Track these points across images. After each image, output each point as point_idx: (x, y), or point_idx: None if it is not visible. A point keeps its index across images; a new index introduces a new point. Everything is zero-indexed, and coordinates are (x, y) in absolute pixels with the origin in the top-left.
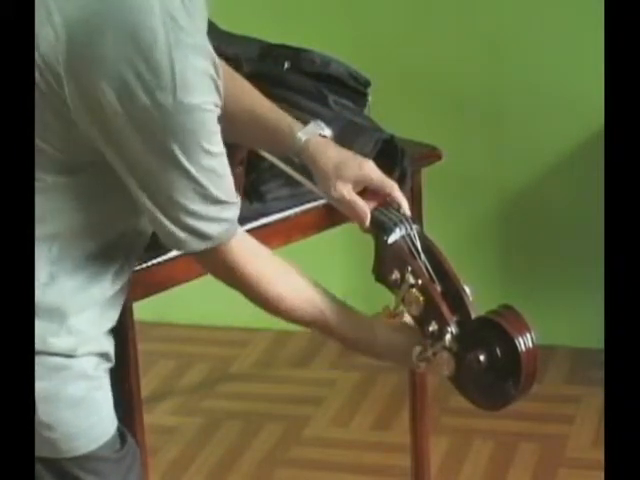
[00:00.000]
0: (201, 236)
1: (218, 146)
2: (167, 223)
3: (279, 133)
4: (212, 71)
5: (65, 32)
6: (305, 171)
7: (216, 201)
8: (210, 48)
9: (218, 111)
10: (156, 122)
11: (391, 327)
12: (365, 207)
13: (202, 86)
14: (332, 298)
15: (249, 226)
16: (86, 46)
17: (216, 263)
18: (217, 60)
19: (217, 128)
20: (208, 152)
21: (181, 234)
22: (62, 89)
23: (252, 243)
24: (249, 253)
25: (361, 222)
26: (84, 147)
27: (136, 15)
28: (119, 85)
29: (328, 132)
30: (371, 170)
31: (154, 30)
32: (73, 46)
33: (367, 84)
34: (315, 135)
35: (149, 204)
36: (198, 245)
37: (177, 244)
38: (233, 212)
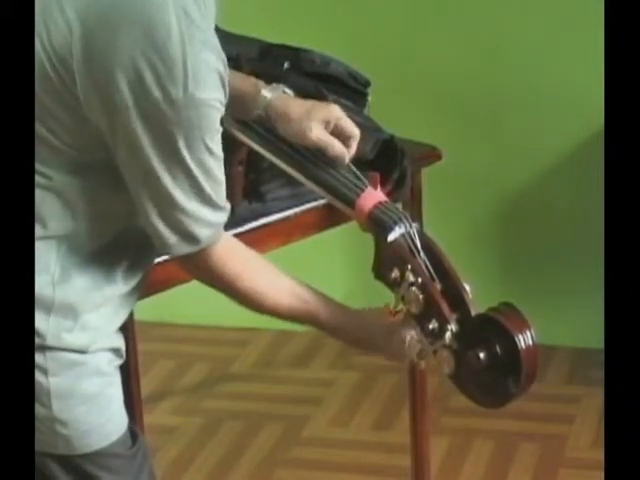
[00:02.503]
0: (190, 239)
1: (218, 147)
2: (159, 224)
3: (244, 95)
4: (221, 68)
5: (79, 26)
6: (302, 166)
7: (210, 203)
8: (219, 45)
9: (222, 110)
10: (165, 115)
11: (380, 315)
12: (342, 147)
13: (212, 82)
14: (317, 291)
15: (249, 226)
16: (100, 39)
17: (200, 266)
18: (225, 58)
19: (220, 128)
20: (210, 150)
21: (171, 236)
22: (74, 83)
23: (235, 245)
24: (232, 256)
25: (340, 161)
26: (95, 143)
27: (150, 9)
28: (132, 77)
29: (290, 92)
30: (339, 112)
31: (168, 24)
32: (87, 40)
33: (367, 84)
34: (279, 92)
35: (147, 202)
36: (186, 248)
37: (166, 247)
38: (223, 217)
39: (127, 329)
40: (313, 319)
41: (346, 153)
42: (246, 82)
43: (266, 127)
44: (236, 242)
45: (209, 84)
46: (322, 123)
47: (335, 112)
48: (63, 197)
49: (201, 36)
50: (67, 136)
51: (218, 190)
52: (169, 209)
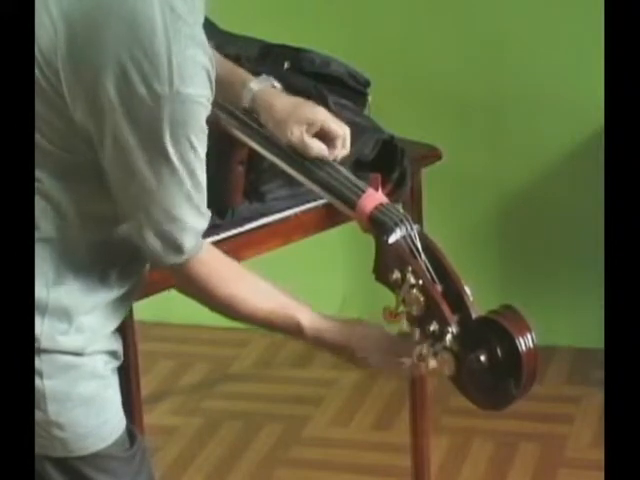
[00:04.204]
0: (176, 249)
1: (203, 147)
2: (146, 231)
3: (232, 85)
4: (208, 65)
5: (64, 24)
6: (303, 167)
7: (196, 208)
8: (207, 44)
9: (209, 107)
10: (150, 112)
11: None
12: (322, 146)
13: (198, 78)
14: (296, 298)
15: (249, 226)
16: (85, 37)
17: (184, 276)
18: (211, 53)
19: (205, 128)
20: (194, 149)
21: (157, 246)
22: (60, 83)
23: (214, 252)
24: (213, 263)
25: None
26: (82, 145)
27: (135, 5)
28: (117, 74)
29: (278, 86)
30: (324, 114)
31: (153, 20)
32: (72, 38)
33: (367, 84)
34: (267, 85)
35: (132, 206)
36: (172, 259)
37: (152, 256)
38: (205, 224)
39: (127, 329)
40: (292, 324)
41: (325, 151)
42: (235, 72)
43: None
44: (214, 249)
45: (195, 80)
46: (304, 125)
47: (319, 114)
48: (53, 200)
49: (187, 31)
50: (56, 138)
51: (201, 194)
52: (155, 213)
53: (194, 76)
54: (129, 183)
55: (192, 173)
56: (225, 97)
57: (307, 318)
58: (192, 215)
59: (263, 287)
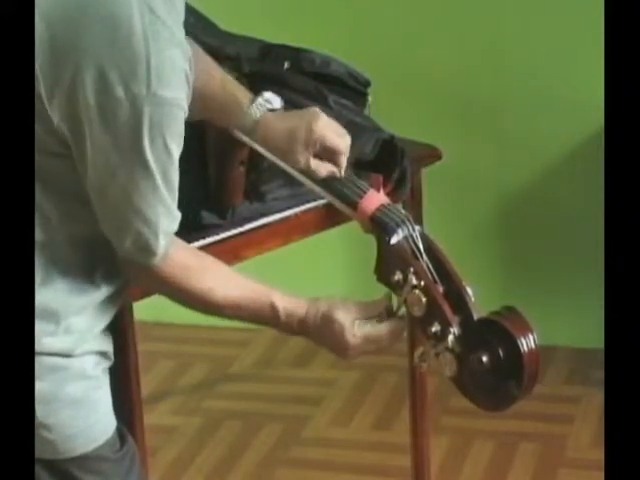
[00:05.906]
0: (148, 251)
1: (177, 150)
2: (121, 234)
3: (228, 110)
4: (186, 67)
5: (44, 24)
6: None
7: (168, 211)
8: (187, 45)
9: (186, 109)
10: (127, 113)
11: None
12: (329, 167)
13: (176, 81)
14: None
15: (249, 226)
16: (65, 38)
17: (150, 274)
18: (190, 54)
19: (182, 132)
20: (168, 150)
21: (130, 248)
22: (39, 84)
23: (180, 250)
24: (178, 261)
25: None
26: (59, 147)
27: (113, 6)
28: (96, 74)
29: (277, 103)
30: (322, 129)
31: (131, 20)
32: (51, 39)
33: (367, 84)
34: (264, 112)
35: (108, 210)
36: (143, 261)
37: (124, 256)
38: (175, 226)
39: (127, 329)
40: (266, 305)
41: (336, 172)
42: (229, 97)
43: None
44: (178, 243)
45: (173, 83)
46: (305, 148)
47: (316, 133)
48: (37, 202)
49: (166, 33)
50: (35, 141)
51: (173, 196)
52: (129, 216)
53: (172, 78)
54: (104, 185)
55: (166, 175)
56: (220, 120)
57: (280, 298)
58: (164, 218)
59: (229, 275)
